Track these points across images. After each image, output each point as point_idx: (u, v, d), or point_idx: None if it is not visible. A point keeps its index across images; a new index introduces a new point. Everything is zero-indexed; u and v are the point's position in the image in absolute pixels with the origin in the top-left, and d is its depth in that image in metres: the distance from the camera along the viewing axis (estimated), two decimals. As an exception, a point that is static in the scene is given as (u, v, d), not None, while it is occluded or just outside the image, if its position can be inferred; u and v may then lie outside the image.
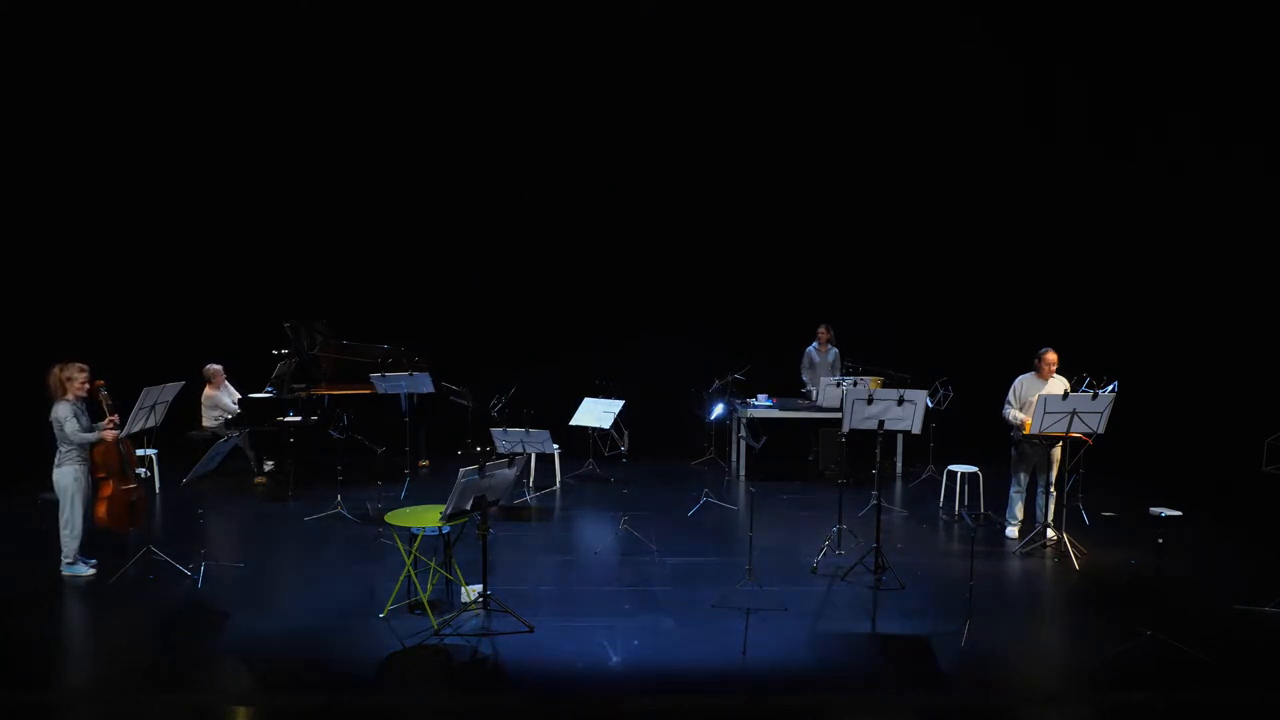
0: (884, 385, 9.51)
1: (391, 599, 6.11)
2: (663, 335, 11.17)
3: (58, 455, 6.51)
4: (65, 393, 6.48)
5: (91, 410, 6.69)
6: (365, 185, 11.49)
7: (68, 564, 6.60)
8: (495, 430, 8.67)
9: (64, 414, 6.43)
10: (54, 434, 6.51)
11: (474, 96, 11.30)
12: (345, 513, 8.16)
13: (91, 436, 6.51)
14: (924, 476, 9.76)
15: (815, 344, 10.73)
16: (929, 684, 5.25)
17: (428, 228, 11.54)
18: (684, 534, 7.93)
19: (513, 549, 7.43)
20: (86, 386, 6.57)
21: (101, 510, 6.66)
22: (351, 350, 10.07)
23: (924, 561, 7.22)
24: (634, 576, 6.83)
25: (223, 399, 9.53)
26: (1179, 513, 7.57)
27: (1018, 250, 11.20)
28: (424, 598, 6.07)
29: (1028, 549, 7.49)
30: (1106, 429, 7.01)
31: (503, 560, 7.03)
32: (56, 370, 6.50)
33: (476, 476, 5.50)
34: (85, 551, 6.66)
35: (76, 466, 6.51)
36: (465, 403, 9.79)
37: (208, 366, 9.55)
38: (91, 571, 6.62)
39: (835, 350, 10.72)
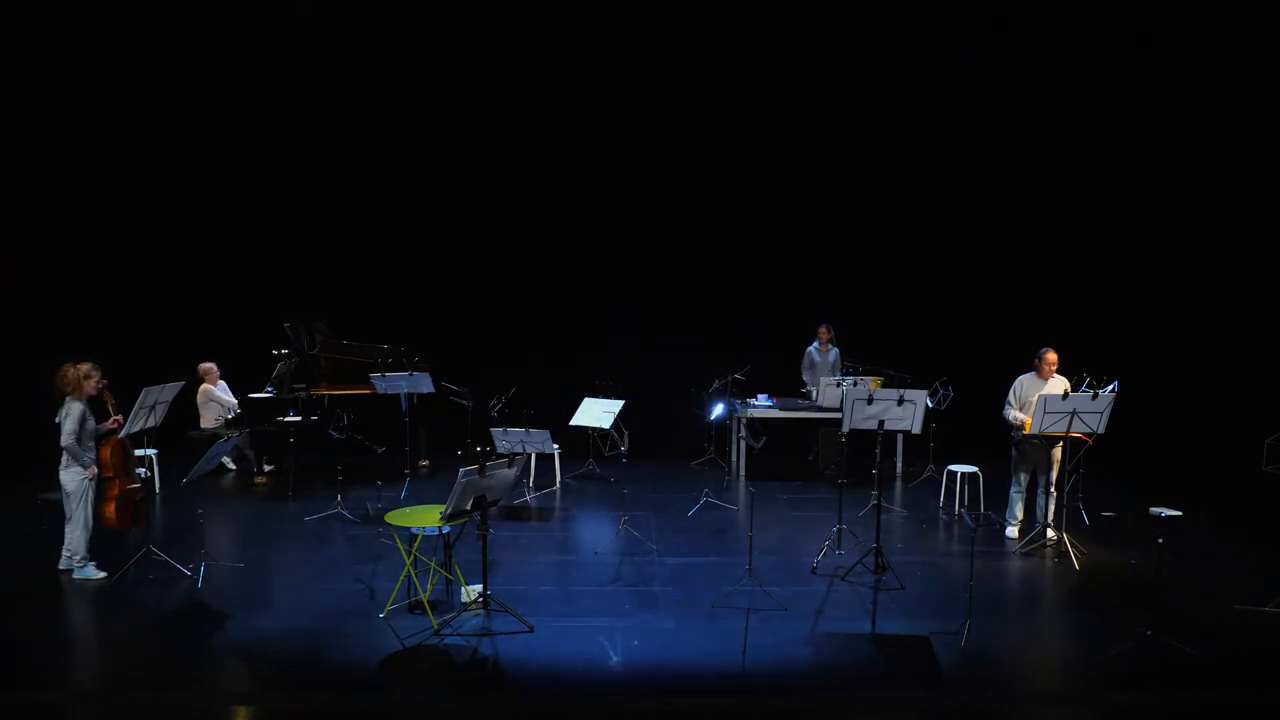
0: (884, 385, 9.51)
1: (391, 599, 6.11)
2: (663, 335, 11.17)
3: (64, 456, 6.49)
4: (80, 391, 6.47)
5: (95, 410, 6.68)
6: (366, 185, 11.48)
7: (79, 566, 6.59)
8: (495, 430, 8.68)
9: (78, 413, 6.41)
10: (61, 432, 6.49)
11: (474, 96, 11.29)
12: (345, 513, 8.16)
13: (85, 458, 6.47)
14: (924, 476, 9.76)
15: (816, 344, 10.73)
16: (929, 684, 5.26)
17: (428, 228, 11.53)
18: (684, 534, 7.93)
19: (513, 549, 7.43)
20: (99, 386, 6.58)
21: (109, 510, 6.66)
22: (351, 350, 10.07)
23: (924, 561, 7.22)
24: (634, 576, 6.83)
25: (218, 393, 9.53)
26: (1179, 513, 7.58)
27: (1018, 250, 11.19)
28: (424, 598, 6.07)
29: (1028, 549, 7.49)
30: (1106, 429, 7.01)
31: (503, 560, 7.03)
32: (72, 369, 6.48)
33: (476, 476, 5.50)
34: (88, 552, 6.65)
35: (90, 467, 6.52)
36: (465, 403, 9.79)
37: (201, 365, 9.55)
38: (103, 575, 6.59)
39: (836, 350, 10.72)
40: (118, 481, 6.70)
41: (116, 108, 10.73)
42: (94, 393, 6.56)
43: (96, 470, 6.56)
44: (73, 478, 6.49)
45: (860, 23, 10.76)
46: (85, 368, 6.50)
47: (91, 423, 6.54)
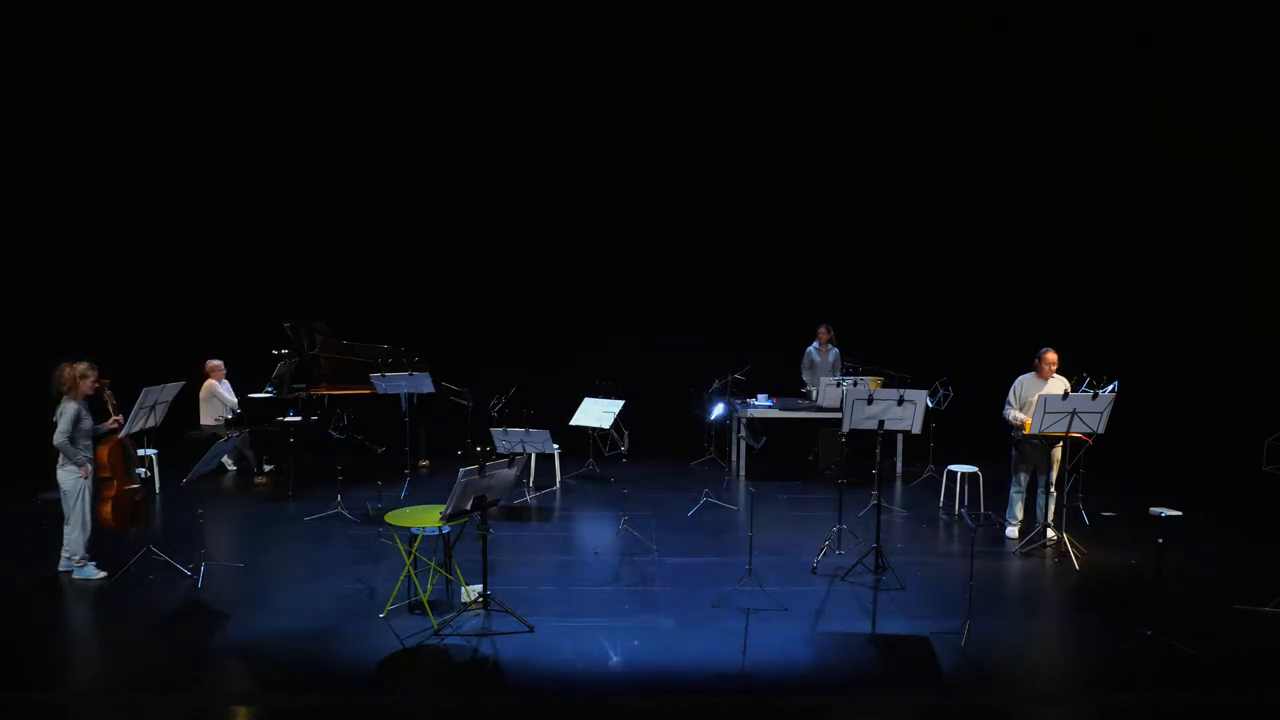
0: (884, 385, 9.51)
1: (391, 599, 6.11)
2: (662, 335, 11.17)
3: (61, 455, 6.49)
4: (77, 391, 6.47)
5: (95, 410, 6.68)
6: (365, 185, 11.48)
7: (78, 566, 6.59)
8: (495, 430, 8.68)
9: (72, 412, 6.41)
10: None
11: (474, 96, 11.29)
12: (345, 513, 8.16)
13: (78, 457, 6.46)
14: (924, 476, 9.76)
15: (815, 344, 10.73)
16: (929, 684, 5.25)
17: (428, 228, 11.54)
18: (684, 534, 7.92)
19: (513, 549, 7.44)
20: (95, 386, 6.57)
21: (106, 510, 6.65)
22: (351, 350, 10.07)
23: (924, 561, 7.22)
24: (634, 576, 6.83)
25: (221, 391, 9.53)
26: (1179, 513, 7.58)
27: (1018, 250, 11.20)
28: (424, 598, 6.07)
29: (1028, 549, 7.49)
30: (1106, 429, 7.01)
31: (503, 560, 7.03)
32: (68, 368, 6.48)
33: (476, 476, 5.50)
34: (88, 552, 6.64)
35: (85, 466, 6.51)
36: (465, 403, 9.79)
37: (209, 361, 9.57)
38: (103, 575, 6.59)
39: (835, 350, 10.72)
40: (115, 482, 6.68)
41: (116, 108, 10.73)
42: (90, 392, 6.55)
43: (91, 469, 6.55)
44: (68, 476, 6.49)
45: (860, 23, 10.75)
46: (82, 367, 6.50)
47: (88, 422, 6.53)
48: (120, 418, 6.71)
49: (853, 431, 7.06)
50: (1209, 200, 10.36)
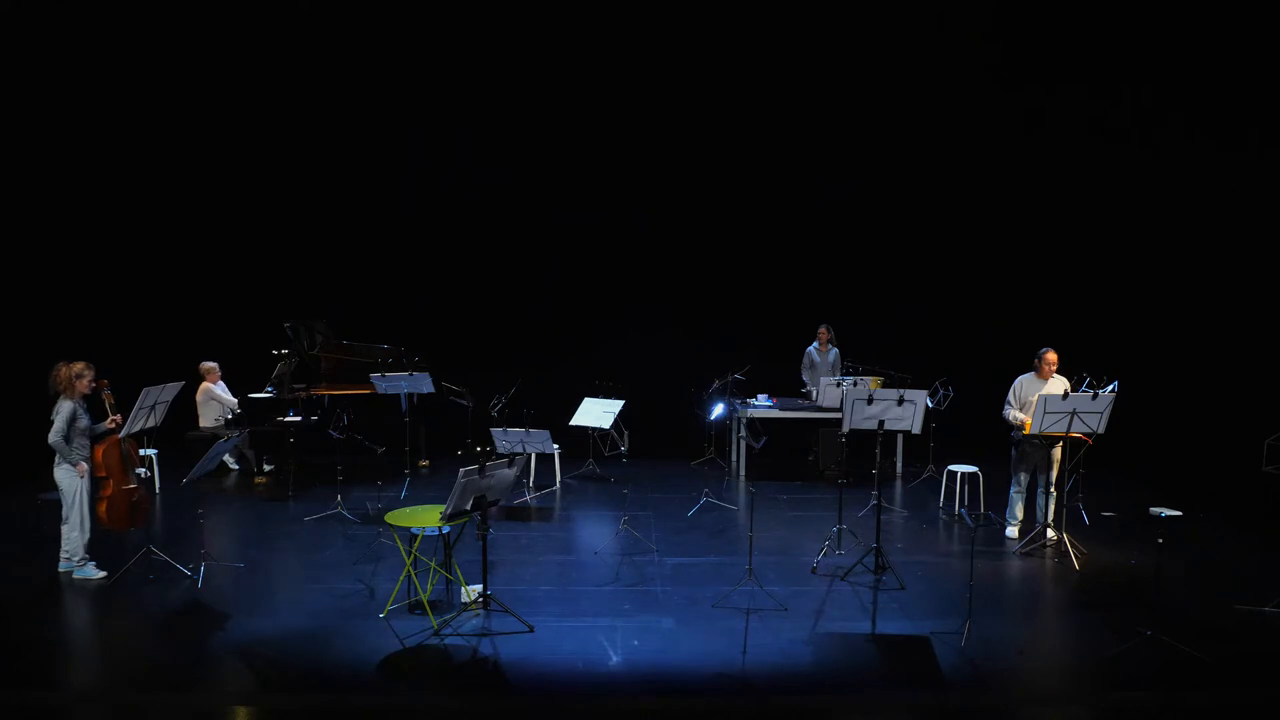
0: (884, 385, 9.51)
1: (391, 599, 6.11)
2: (662, 335, 11.18)
3: (57, 454, 6.50)
4: (73, 391, 6.47)
5: (94, 409, 6.68)
6: (365, 185, 11.49)
7: (78, 565, 6.58)
8: (495, 430, 8.68)
9: (68, 412, 6.41)
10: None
11: (473, 97, 11.30)
12: (345, 513, 8.16)
13: (73, 456, 6.46)
14: (924, 476, 9.75)
15: (815, 344, 10.72)
16: (929, 684, 5.25)
17: (428, 228, 11.54)
18: (684, 534, 7.92)
19: (513, 549, 7.44)
20: (92, 385, 6.58)
21: (102, 510, 6.65)
22: (351, 350, 10.07)
23: (924, 561, 7.22)
24: (634, 576, 6.83)
25: (219, 392, 9.52)
26: (1179, 513, 7.58)
27: (1017, 250, 11.20)
28: (424, 598, 6.07)
29: (1028, 549, 7.49)
30: (1106, 429, 7.01)
31: (503, 560, 7.03)
32: (65, 368, 6.49)
33: (476, 476, 5.50)
34: (87, 552, 6.64)
35: (80, 464, 6.51)
36: (465, 403, 9.79)
37: (203, 364, 9.56)
38: (103, 575, 6.59)
39: (835, 350, 10.72)
40: (112, 481, 6.68)
41: (118, 108, 10.73)
42: (87, 391, 6.56)
43: (87, 468, 6.55)
44: (65, 475, 6.50)
45: (861, 22, 10.77)
46: (78, 367, 6.51)
47: (84, 421, 6.53)
48: (119, 417, 6.71)
49: (853, 431, 7.06)
50: (1209, 200, 10.37)
